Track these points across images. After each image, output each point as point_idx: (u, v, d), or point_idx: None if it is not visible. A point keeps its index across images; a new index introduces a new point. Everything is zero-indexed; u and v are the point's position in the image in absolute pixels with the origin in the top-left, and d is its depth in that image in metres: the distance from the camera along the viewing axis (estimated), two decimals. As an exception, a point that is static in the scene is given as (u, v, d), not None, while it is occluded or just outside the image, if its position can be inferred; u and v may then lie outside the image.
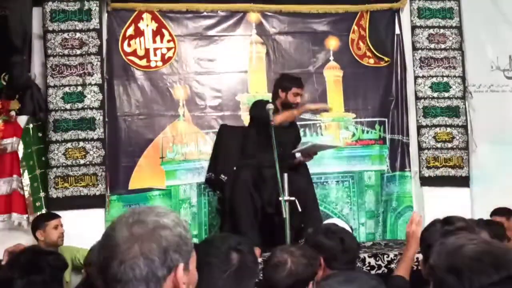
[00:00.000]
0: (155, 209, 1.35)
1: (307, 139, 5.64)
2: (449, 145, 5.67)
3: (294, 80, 4.94)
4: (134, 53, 5.48)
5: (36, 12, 5.15)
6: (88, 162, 5.09)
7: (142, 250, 1.27)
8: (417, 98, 5.72)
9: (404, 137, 5.80)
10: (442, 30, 5.77)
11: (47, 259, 2.12)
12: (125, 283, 1.26)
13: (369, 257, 4.60)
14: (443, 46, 5.75)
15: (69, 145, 5.08)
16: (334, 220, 4.18)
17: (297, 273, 2.27)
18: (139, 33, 5.51)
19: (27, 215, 4.92)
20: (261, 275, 2.44)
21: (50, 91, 5.10)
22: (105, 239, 1.32)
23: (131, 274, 1.26)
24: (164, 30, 5.56)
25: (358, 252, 2.94)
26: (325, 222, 4.17)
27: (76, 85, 5.14)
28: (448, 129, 5.68)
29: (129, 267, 1.26)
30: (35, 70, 5.20)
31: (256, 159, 4.82)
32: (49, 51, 5.12)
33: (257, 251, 4.05)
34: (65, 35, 5.16)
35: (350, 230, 3.50)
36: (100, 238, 1.36)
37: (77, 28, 5.17)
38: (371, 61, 5.88)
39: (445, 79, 5.73)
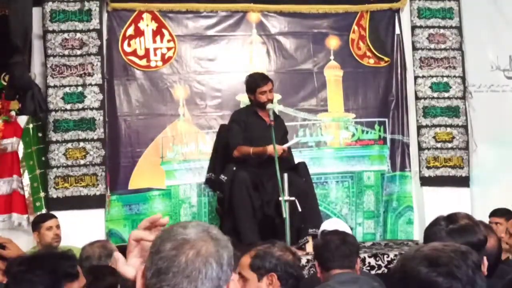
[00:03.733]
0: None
1: (307, 139, 5.64)
2: (449, 145, 5.67)
3: (257, 79, 4.91)
4: (134, 53, 5.48)
5: (36, 12, 5.15)
6: (88, 162, 5.09)
7: (218, 252, 1.26)
8: (417, 98, 5.72)
9: (404, 137, 5.80)
10: (442, 30, 5.77)
11: (54, 263, 2.04)
12: (193, 279, 1.23)
13: (369, 257, 4.61)
14: (443, 46, 5.75)
15: (69, 145, 5.08)
16: (334, 220, 4.19)
17: None
18: (139, 33, 5.51)
19: (27, 215, 4.93)
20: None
21: (50, 91, 5.10)
22: (171, 234, 1.28)
23: (203, 271, 1.24)
24: (164, 30, 5.56)
25: (347, 249, 2.92)
26: (324, 222, 4.18)
27: (76, 85, 5.14)
28: (448, 129, 5.68)
29: (203, 263, 1.24)
30: (35, 70, 5.21)
31: (255, 159, 4.82)
32: (49, 51, 5.12)
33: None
34: (65, 35, 5.16)
35: (350, 230, 3.52)
36: (160, 236, 1.31)
37: (77, 28, 5.17)
38: (371, 61, 5.88)
39: (445, 79, 5.73)
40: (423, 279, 1.49)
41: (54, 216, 4.49)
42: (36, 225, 4.43)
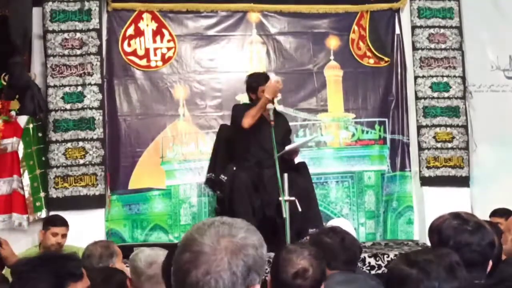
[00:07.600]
0: (244, 225, 1.37)
1: (307, 139, 5.64)
2: (449, 145, 5.66)
3: (259, 78, 4.90)
4: (134, 53, 5.48)
5: (36, 12, 5.15)
6: (88, 162, 5.09)
7: (230, 265, 1.28)
8: (417, 98, 5.71)
9: (404, 137, 5.80)
10: (442, 30, 5.77)
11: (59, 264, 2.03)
12: None
13: (369, 257, 4.61)
14: (443, 46, 5.75)
15: (69, 145, 5.08)
16: (339, 220, 4.17)
17: (316, 279, 2.32)
18: (139, 33, 5.51)
19: (27, 215, 4.92)
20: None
21: (50, 91, 5.10)
22: (190, 243, 1.32)
23: (213, 286, 1.26)
24: (164, 30, 5.57)
25: (358, 253, 2.93)
26: (330, 221, 4.17)
27: (76, 85, 5.14)
28: (448, 129, 5.68)
29: (214, 279, 1.26)
30: (35, 70, 5.21)
31: (256, 158, 4.83)
32: (49, 51, 5.12)
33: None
34: (65, 35, 5.16)
35: (353, 230, 3.50)
36: (183, 240, 1.35)
37: (77, 28, 5.17)
38: (371, 61, 5.88)
39: (445, 79, 5.73)
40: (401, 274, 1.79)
41: (65, 224, 4.35)
42: (46, 225, 4.38)
